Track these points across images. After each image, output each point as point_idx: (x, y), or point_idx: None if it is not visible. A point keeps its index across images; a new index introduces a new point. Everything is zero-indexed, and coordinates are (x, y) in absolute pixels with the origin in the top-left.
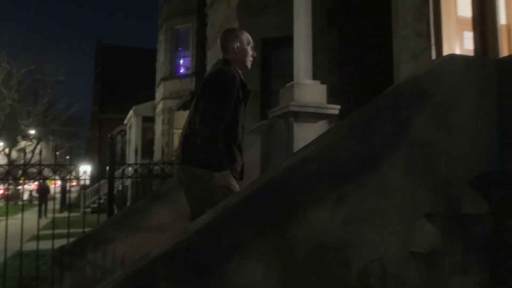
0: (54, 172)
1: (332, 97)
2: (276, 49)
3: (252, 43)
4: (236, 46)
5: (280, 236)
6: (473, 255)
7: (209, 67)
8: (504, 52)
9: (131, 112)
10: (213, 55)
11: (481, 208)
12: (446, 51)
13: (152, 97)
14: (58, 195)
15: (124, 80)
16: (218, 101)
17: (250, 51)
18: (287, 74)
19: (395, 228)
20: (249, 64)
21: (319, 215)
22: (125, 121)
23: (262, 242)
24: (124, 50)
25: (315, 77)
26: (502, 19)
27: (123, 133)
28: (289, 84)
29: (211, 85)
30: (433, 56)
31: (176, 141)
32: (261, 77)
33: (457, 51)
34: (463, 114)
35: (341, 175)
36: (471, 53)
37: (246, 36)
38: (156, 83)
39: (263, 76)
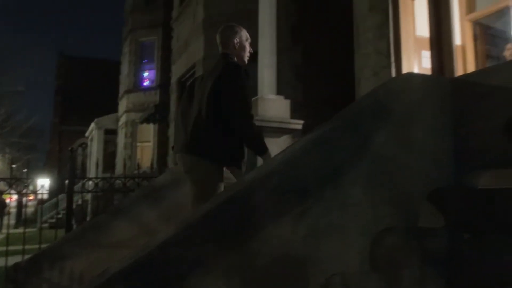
0: (10, 186)
1: (295, 112)
2: None
3: (249, 40)
4: (236, 41)
5: (242, 251)
6: (430, 268)
7: (173, 80)
8: (459, 71)
9: (92, 125)
10: (178, 69)
11: (438, 221)
12: (405, 69)
13: (114, 109)
14: (13, 210)
15: (86, 92)
16: (247, 99)
17: (248, 47)
18: (252, 89)
19: (356, 242)
20: (246, 59)
21: (281, 230)
22: (87, 134)
23: (224, 258)
24: (86, 61)
25: (279, 92)
26: (457, 39)
27: (84, 145)
28: (253, 98)
29: (235, 80)
30: (393, 73)
31: (139, 154)
32: None
33: (416, 69)
34: (421, 130)
35: (304, 189)
36: (429, 72)
37: (245, 33)
38: (120, 95)
39: None
